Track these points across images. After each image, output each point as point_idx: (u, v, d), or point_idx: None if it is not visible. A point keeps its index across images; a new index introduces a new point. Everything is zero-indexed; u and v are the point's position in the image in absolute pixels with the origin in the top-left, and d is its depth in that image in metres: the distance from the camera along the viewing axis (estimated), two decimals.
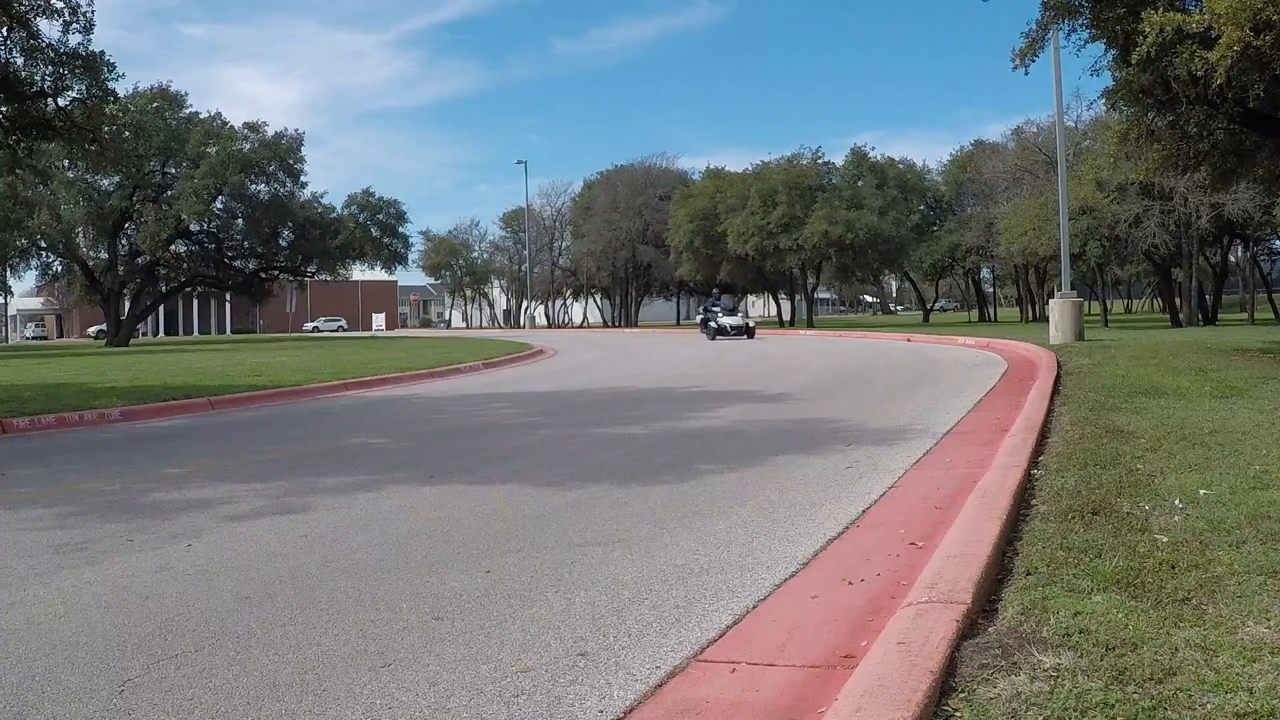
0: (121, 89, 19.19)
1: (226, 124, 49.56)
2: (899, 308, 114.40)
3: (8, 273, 53.49)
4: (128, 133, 19.96)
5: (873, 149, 56.13)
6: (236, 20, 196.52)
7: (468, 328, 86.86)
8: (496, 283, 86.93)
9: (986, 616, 2.94)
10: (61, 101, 16.61)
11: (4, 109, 15.62)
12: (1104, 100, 14.59)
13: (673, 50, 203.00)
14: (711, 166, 57.20)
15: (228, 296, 77.71)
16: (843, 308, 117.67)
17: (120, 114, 18.94)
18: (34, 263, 52.60)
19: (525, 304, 77.05)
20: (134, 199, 46.93)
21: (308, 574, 4.05)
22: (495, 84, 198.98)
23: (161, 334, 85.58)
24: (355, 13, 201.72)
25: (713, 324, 32.91)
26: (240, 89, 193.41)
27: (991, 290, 68.51)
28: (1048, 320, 23.58)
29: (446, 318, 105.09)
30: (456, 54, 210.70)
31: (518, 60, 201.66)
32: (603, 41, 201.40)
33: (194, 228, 49.49)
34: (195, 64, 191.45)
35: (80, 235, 49.65)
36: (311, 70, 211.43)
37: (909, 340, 27.09)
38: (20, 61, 15.80)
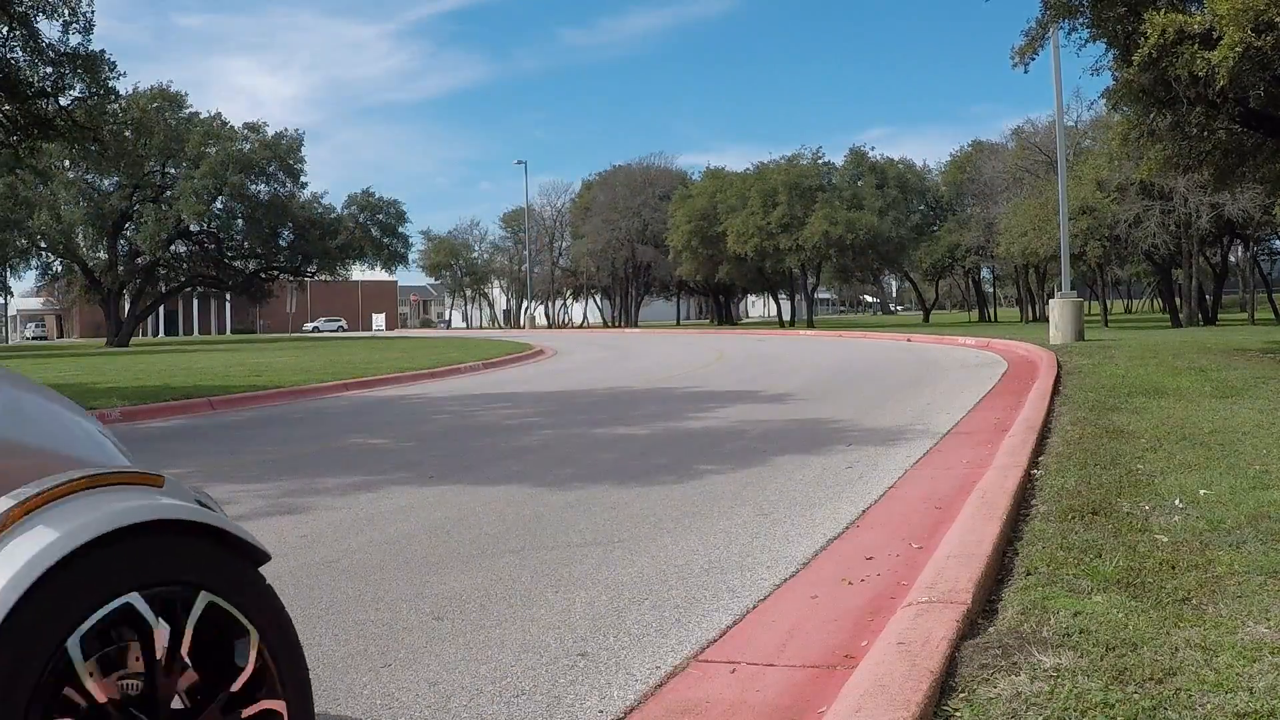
0: (122, 88, 19.21)
1: (226, 124, 49.62)
2: (899, 308, 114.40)
3: (8, 273, 53.49)
4: (129, 131, 19.98)
5: (873, 148, 56.24)
6: (233, 9, 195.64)
7: (468, 328, 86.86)
8: (496, 283, 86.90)
9: (986, 616, 2.94)
10: (63, 101, 16.61)
11: (5, 109, 15.63)
12: (1104, 100, 14.60)
13: (684, 42, 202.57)
14: (711, 166, 57.29)
15: (228, 296, 77.73)
16: (843, 308, 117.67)
17: (120, 113, 18.96)
18: (34, 263, 52.61)
19: (525, 304, 77.04)
20: (134, 199, 46.96)
21: (308, 574, 4.04)
22: (500, 77, 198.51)
23: (162, 334, 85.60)
24: (356, 1, 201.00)
25: None
26: (239, 82, 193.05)
27: (991, 290, 68.51)
28: (1048, 320, 23.58)
29: (446, 318, 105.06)
30: (461, 45, 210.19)
31: (524, 52, 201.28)
32: (612, 32, 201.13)
33: (194, 228, 49.51)
34: (192, 56, 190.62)
35: (80, 235, 49.66)
36: (312, 62, 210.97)
37: (909, 340, 27.10)
38: (21, 61, 15.81)
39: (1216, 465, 5.17)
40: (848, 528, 4.59)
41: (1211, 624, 2.76)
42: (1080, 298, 23.71)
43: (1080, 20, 13.11)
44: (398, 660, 2.97)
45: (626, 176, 63.59)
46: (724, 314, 65.44)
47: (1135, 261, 40.60)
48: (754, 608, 3.39)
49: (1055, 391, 9.61)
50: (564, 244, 74.76)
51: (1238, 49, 10.36)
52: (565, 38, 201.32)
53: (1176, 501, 4.33)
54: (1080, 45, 13.50)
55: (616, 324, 67.25)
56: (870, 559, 3.99)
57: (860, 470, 6.13)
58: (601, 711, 2.55)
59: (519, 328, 72.20)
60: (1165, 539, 3.71)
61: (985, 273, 60.43)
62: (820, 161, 50.78)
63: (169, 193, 46.91)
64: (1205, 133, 13.92)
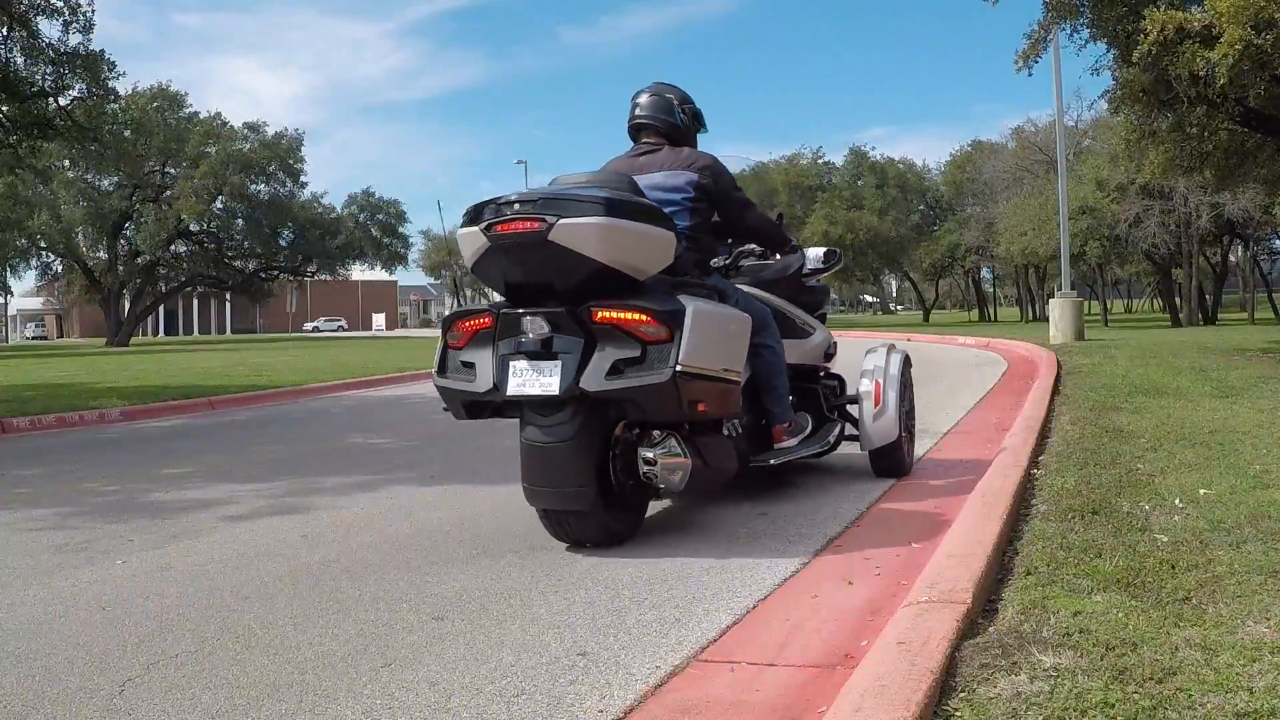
0: (121, 87, 19.23)
1: (226, 124, 49.68)
2: (899, 307, 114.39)
3: (8, 273, 53.50)
4: (128, 131, 20.00)
5: (873, 148, 56.27)
6: (233, 8, 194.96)
7: None
8: None
9: (986, 616, 2.94)
10: (63, 101, 16.63)
11: (5, 109, 15.64)
12: (1105, 100, 14.62)
13: (684, 41, 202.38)
14: None
15: (228, 296, 77.72)
16: (843, 308, 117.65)
17: (120, 113, 18.99)
18: (34, 263, 52.65)
19: None
20: (134, 199, 46.97)
21: (308, 574, 4.05)
22: (500, 76, 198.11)
23: (162, 334, 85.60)
24: (356, 0, 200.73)
25: None
26: (239, 81, 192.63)
27: (991, 290, 68.46)
28: (1048, 320, 23.57)
29: None
30: (461, 44, 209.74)
31: (525, 51, 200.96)
32: (613, 31, 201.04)
33: (194, 228, 49.52)
34: (191, 55, 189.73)
35: (80, 235, 49.71)
36: (312, 61, 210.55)
37: (909, 340, 27.09)
38: (20, 61, 15.82)
39: (1216, 465, 5.17)
40: (848, 527, 4.59)
41: (1211, 624, 2.76)
42: (1080, 297, 23.71)
43: (1081, 20, 13.12)
44: (398, 660, 2.97)
45: None
46: None
47: (1135, 261, 40.58)
48: (754, 607, 3.40)
49: (1055, 391, 9.61)
50: None
51: (1237, 47, 10.37)
52: (565, 37, 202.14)
53: (1176, 501, 4.33)
54: (1081, 45, 13.54)
55: None
56: (870, 559, 3.99)
57: (860, 470, 6.12)
58: (602, 711, 2.55)
59: None
60: (1165, 539, 3.71)
61: (985, 273, 60.42)
62: (820, 161, 50.83)
63: (169, 193, 46.92)
64: (1206, 133, 13.93)
